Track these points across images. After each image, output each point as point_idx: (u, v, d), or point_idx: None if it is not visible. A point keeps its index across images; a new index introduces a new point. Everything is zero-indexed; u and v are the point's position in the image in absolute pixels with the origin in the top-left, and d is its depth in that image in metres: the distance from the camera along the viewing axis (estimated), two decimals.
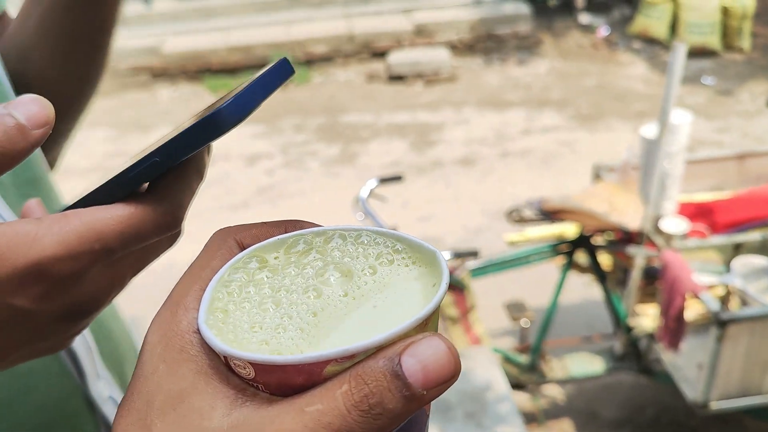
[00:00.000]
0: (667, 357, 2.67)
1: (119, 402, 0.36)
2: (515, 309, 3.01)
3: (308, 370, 0.30)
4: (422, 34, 7.90)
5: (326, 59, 7.86)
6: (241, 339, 0.33)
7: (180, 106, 7.20)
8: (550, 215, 2.72)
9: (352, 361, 0.30)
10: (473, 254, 2.49)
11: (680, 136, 2.60)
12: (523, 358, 2.96)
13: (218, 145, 6.08)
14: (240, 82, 0.43)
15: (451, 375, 0.31)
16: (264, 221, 0.40)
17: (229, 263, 0.37)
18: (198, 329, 0.33)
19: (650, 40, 7.74)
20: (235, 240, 0.38)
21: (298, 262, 0.37)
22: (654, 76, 7.08)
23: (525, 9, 8.13)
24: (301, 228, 0.39)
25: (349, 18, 8.20)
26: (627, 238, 2.79)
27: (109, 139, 6.52)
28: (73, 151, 6.23)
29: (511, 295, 3.36)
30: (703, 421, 3.02)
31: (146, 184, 0.42)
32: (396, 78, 7.39)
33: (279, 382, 0.31)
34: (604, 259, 2.96)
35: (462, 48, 7.94)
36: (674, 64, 2.32)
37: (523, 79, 7.25)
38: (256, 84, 0.40)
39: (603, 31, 8.05)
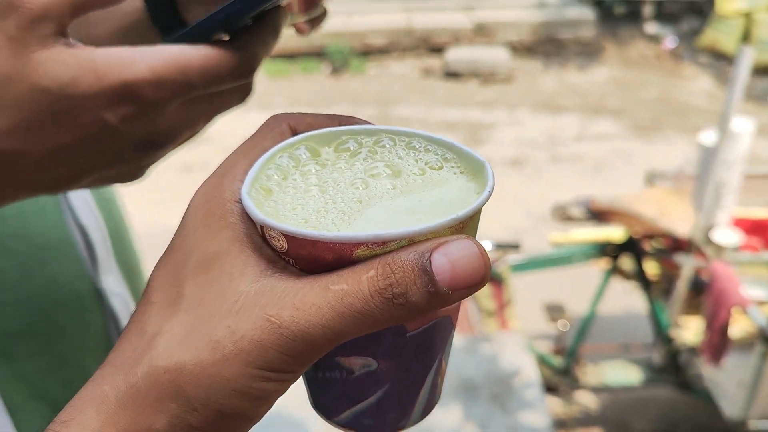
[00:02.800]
0: (707, 372, 2.58)
1: (129, 300, 0.36)
2: (554, 310, 2.96)
3: (339, 250, 0.31)
4: (482, 33, 7.84)
5: (383, 51, 7.87)
6: (280, 215, 0.33)
7: None
8: (597, 216, 2.66)
9: (383, 248, 0.30)
10: (515, 247, 2.45)
11: (740, 145, 2.51)
12: (558, 361, 2.91)
13: None
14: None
15: (479, 280, 0.31)
16: (319, 112, 0.40)
17: (279, 145, 0.37)
18: (240, 199, 0.34)
19: (718, 55, 7.51)
20: (289, 125, 0.39)
21: (349, 158, 0.37)
22: (718, 91, 6.88)
23: (589, 14, 7.99)
24: (355, 124, 0.40)
25: (409, 12, 8.18)
26: (675, 246, 2.71)
27: None
28: None
29: (550, 297, 3.31)
30: None
31: (227, 38, 0.45)
32: (452, 75, 7.35)
33: (309, 258, 0.31)
34: (650, 267, 2.88)
35: (521, 49, 7.84)
36: (739, 68, 2.23)
37: (580, 86, 7.12)
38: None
39: (669, 42, 7.86)
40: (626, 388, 3.02)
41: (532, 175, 5.37)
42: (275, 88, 7.25)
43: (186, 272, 0.33)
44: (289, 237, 0.31)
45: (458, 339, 1.90)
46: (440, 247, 0.30)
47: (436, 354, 0.37)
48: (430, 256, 0.30)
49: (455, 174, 0.37)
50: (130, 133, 0.42)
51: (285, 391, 0.33)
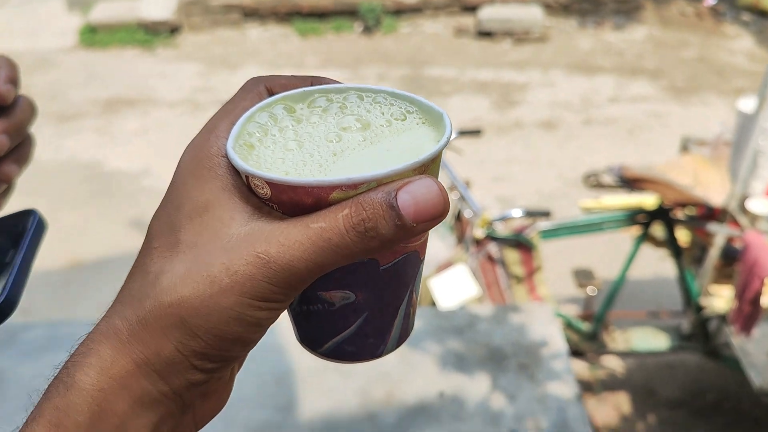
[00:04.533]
0: (737, 341, 2.57)
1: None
2: (583, 276, 2.96)
3: (316, 194, 0.35)
4: None
5: (415, 10, 7.75)
6: (263, 167, 0.37)
7: (268, 47, 7.27)
8: (629, 183, 2.63)
9: (355, 191, 0.34)
10: (545, 214, 2.45)
11: None
12: (586, 326, 2.92)
13: None
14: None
15: (439, 212, 0.35)
16: (292, 74, 0.44)
17: (257, 105, 0.41)
18: (226, 154, 0.38)
19: (761, 13, 7.27)
20: (265, 86, 0.42)
21: (321, 114, 0.41)
22: (761, 51, 6.68)
23: None
24: (325, 83, 0.43)
25: None
26: (709, 214, 2.68)
27: (198, 74, 6.67)
28: (164, 85, 6.42)
29: (579, 262, 3.30)
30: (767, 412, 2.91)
31: None
32: (485, 34, 7.23)
33: (291, 202, 0.35)
34: (682, 235, 2.85)
35: (556, 8, 7.67)
36: None
37: (617, 45, 6.96)
38: (22, 262, 0.46)
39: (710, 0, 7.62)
40: (653, 354, 3.02)
41: (564, 138, 5.31)
42: (307, 48, 7.22)
43: (181, 220, 0.36)
44: (272, 184, 0.35)
45: (487, 308, 1.92)
46: (404, 186, 0.34)
47: (407, 285, 0.41)
48: (396, 194, 0.34)
49: (417, 124, 0.40)
50: None
51: (276, 318, 0.36)
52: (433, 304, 2.49)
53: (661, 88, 6.04)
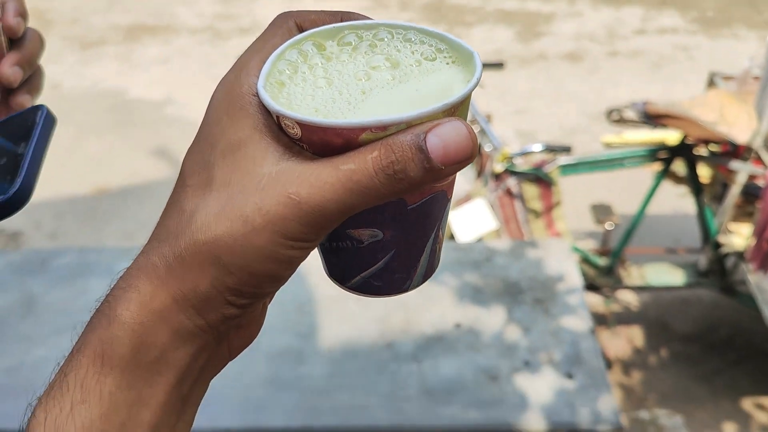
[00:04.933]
0: (753, 278, 2.59)
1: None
2: (601, 211, 2.96)
3: (346, 135, 0.35)
4: None
5: None
6: (293, 105, 0.37)
7: None
8: (652, 119, 2.60)
9: (385, 132, 0.35)
10: (566, 150, 2.44)
11: None
12: (602, 261, 2.94)
13: None
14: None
15: (467, 155, 0.35)
16: (322, 9, 0.44)
17: (287, 42, 0.41)
18: (257, 92, 0.38)
19: None
20: (295, 22, 0.42)
21: (351, 52, 0.41)
22: None
23: None
24: (355, 19, 0.43)
25: None
26: (732, 152, 2.66)
27: (219, 0, 6.58)
28: (185, 11, 6.35)
29: (597, 197, 3.30)
30: None
31: None
32: None
33: (321, 143, 0.36)
34: (703, 171, 2.84)
35: None
36: None
37: None
38: (33, 155, 0.47)
39: None
40: (668, 289, 3.05)
41: (589, 70, 5.21)
42: None
43: (214, 157, 0.37)
44: (302, 125, 0.35)
45: (504, 243, 1.95)
46: (434, 128, 0.35)
47: (434, 224, 0.42)
48: (425, 137, 0.34)
49: (447, 64, 0.40)
50: None
51: (306, 257, 0.37)
52: (452, 236, 2.52)
53: (690, 19, 5.87)
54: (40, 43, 0.63)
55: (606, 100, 4.63)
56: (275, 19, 0.43)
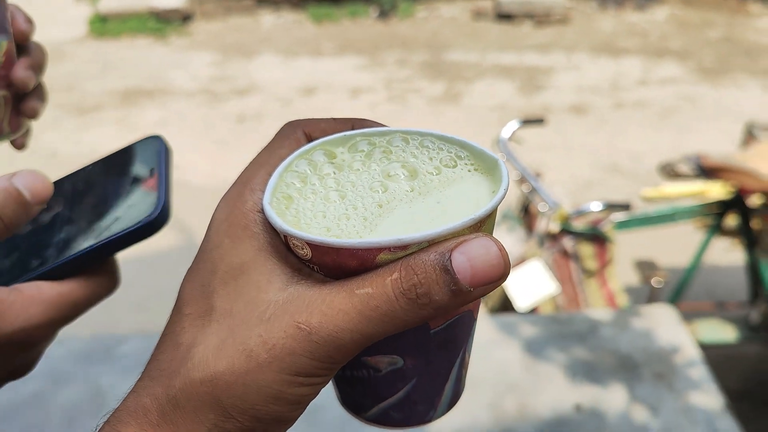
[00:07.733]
0: None
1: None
2: (647, 267, 2.86)
3: (362, 256, 0.31)
4: None
5: None
6: (303, 223, 0.34)
7: (282, 34, 7.13)
8: (707, 172, 2.54)
9: (405, 251, 0.31)
10: (625, 207, 2.36)
11: None
12: None
13: (321, 76, 6.00)
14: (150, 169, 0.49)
15: (499, 276, 0.31)
16: (333, 117, 0.40)
17: (296, 153, 0.38)
18: (262, 209, 0.35)
19: None
20: (304, 132, 0.39)
21: (364, 160, 0.37)
22: None
23: None
24: (368, 126, 0.40)
25: None
26: None
27: (213, 63, 6.54)
28: (180, 74, 6.28)
29: (639, 254, 3.21)
30: None
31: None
32: (504, 17, 7.11)
33: (334, 265, 0.32)
34: (755, 224, 2.77)
35: None
36: None
37: (639, 26, 6.85)
38: (165, 176, 0.46)
39: None
40: (721, 346, 2.95)
41: (596, 123, 5.21)
42: (322, 34, 7.08)
43: (215, 284, 0.34)
44: (313, 245, 0.32)
45: (605, 312, 1.82)
46: (459, 246, 0.31)
47: (459, 348, 0.38)
48: (450, 256, 0.31)
49: (470, 171, 0.37)
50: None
51: (317, 393, 0.33)
52: (507, 302, 2.40)
53: (690, 69, 5.94)
54: (43, 54, 0.62)
55: (617, 152, 4.60)
56: (282, 128, 0.40)
